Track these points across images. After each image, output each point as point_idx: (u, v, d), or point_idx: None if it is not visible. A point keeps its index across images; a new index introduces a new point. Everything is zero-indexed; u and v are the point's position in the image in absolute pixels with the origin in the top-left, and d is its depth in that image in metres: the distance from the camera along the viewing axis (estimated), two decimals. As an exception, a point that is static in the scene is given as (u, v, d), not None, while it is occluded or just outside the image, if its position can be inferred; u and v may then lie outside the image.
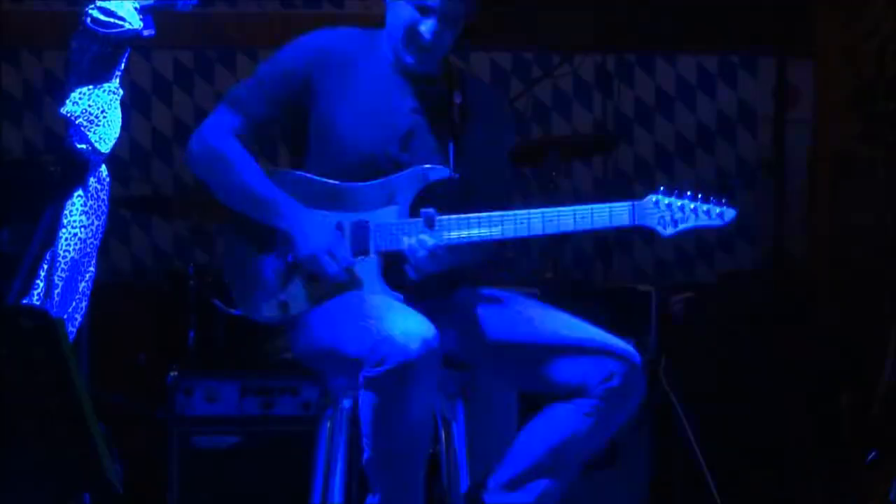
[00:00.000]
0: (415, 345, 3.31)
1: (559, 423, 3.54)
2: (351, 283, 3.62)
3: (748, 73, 6.68)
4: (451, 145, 3.67)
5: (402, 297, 3.58)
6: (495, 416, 4.69)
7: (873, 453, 4.90)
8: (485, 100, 3.80)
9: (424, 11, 3.58)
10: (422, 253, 3.51)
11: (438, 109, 3.71)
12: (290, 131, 3.76)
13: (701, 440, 5.27)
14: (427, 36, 3.58)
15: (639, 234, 6.54)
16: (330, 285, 3.62)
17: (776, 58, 6.34)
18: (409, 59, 3.64)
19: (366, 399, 3.40)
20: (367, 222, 3.62)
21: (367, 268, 3.62)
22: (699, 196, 3.45)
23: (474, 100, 3.76)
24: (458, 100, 3.72)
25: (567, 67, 6.32)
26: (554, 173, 5.38)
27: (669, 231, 3.46)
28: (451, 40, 3.65)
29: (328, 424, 3.69)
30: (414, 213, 3.60)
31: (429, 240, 3.52)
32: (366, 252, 3.62)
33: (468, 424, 3.76)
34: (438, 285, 3.68)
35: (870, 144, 6.17)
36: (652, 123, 6.64)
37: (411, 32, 3.60)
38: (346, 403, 3.66)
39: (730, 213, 3.44)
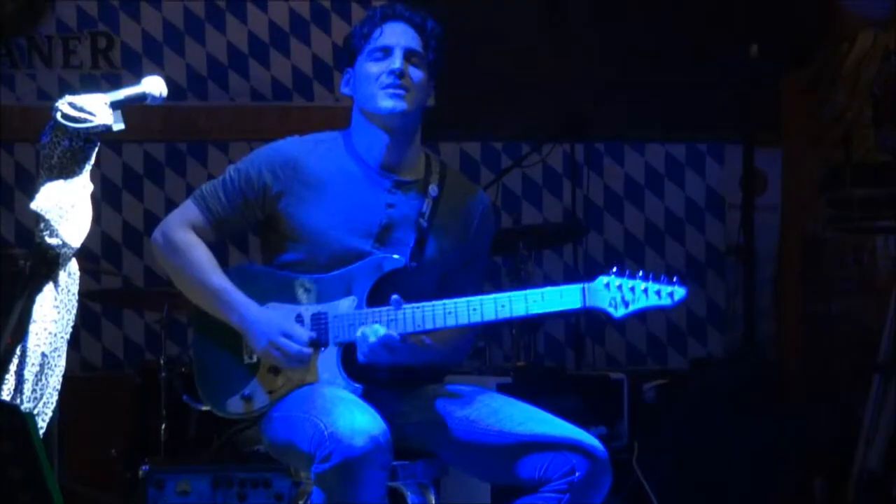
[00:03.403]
0: (360, 440, 3.29)
1: None
2: (312, 374, 3.63)
3: (716, 161, 6.74)
4: (412, 236, 3.69)
5: (361, 388, 3.58)
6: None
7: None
8: (463, 197, 3.82)
9: (385, 52, 3.66)
10: (373, 340, 3.52)
11: (412, 203, 3.73)
12: (259, 229, 3.79)
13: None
14: (397, 65, 3.64)
15: (611, 323, 6.57)
16: (291, 376, 3.63)
17: (743, 145, 6.39)
18: (386, 107, 3.65)
19: (317, 495, 3.39)
20: (325, 314, 3.64)
21: (327, 359, 3.63)
22: (650, 276, 3.45)
23: (452, 196, 3.78)
24: (433, 193, 3.74)
25: (536, 157, 6.37)
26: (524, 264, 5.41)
27: (621, 312, 3.44)
28: (424, 83, 3.70)
29: (300, 516, 3.67)
30: (371, 302, 3.62)
31: (381, 329, 3.53)
32: (325, 343, 3.63)
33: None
34: (404, 378, 3.68)
35: (838, 230, 6.21)
36: (621, 211, 6.68)
37: (381, 78, 3.65)
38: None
39: (680, 293, 3.43)
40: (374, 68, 3.67)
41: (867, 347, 5.71)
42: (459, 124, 6.12)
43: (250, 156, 3.77)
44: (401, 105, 3.66)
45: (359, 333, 3.55)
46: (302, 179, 3.69)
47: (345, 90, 3.77)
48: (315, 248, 3.67)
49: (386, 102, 3.66)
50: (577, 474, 3.47)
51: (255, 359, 3.68)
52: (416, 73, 3.68)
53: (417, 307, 3.54)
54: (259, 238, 3.83)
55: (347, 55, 3.75)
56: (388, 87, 3.65)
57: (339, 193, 3.69)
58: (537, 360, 5.85)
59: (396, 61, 3.65)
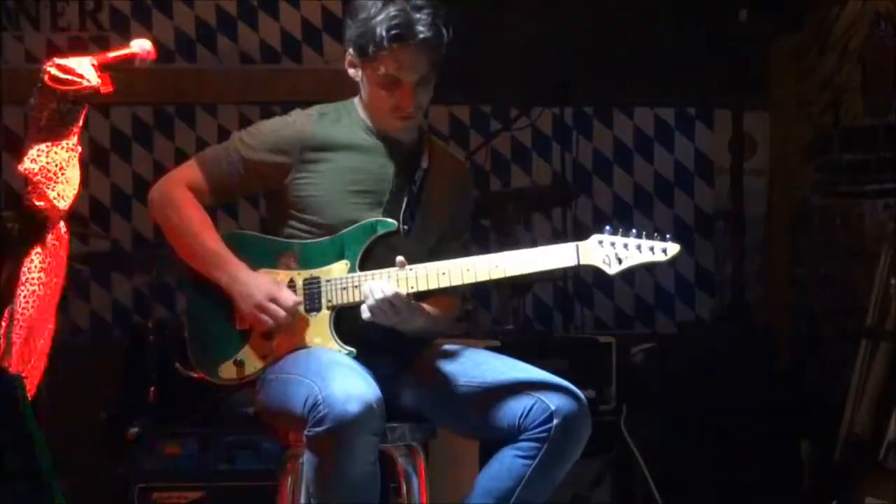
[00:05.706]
0: (354, 405, 3.30)
1: (507, 467, 3.53)
2: (305, 339, 3.64)
3: (705, 125, 6.73)
4: (405, 202, 3.69)
5: (354, 351, 3.59)
6: (457, 468, 4.69)
7: (834, 502, 4.92)
8: (449, 167, 3.86)
9: (394, 82, 3.61)
10: (378, 296, 3.52)
11: (409, 171, 3.74)
12: (266, 201, 3.80)
13: (662, 490, 5.28)
14: (409, 108, 3.63)
15: (599, 286, 6.57)
16: (284, 341, 3.64)
17: (732, 110, 6.39)
18: (395, 128, 3.69)
19: (308, 458, 3.41)
20: (318, 279, 3.65)
21: (320, 323, 3.64)
22: (643, 234, 3.47)
23: (439, 166, 3.81)
24: (425, 164, 3.75)
25: (525, 120, 6.36)
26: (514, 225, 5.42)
27: (615, 269, 3.47)
28: (430, 96, 3.70)
29: (290, 479, 3.68)
30: (364, 266, 3.62)
31: (388, 286, 3.53)
32: (318, 308, 3.64)
33: (429, 477, 3.76)
34: (396, 342, 3.69)
35: (826, 194, 6.22)
36: (610, 175, 6.68)
37: (390, 105, 3.63)
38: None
39: (673, 249, 3.44)
40: (381, 93, 3.64)
41: (855, 311, 5.72)
42: (448, 87, 6.10)
43: (257, 132, 3.75)
44: (409, 125, 3.71)
45: (365, 288, 3.55)
46: (309, 154, 3.68)
47: (351, 72, 3.71)
48: (326, 220, 3.68)
49: (393, 124, 3.69)
50: (554, 421, 3.47)
51: (247, 324, 3.69)
52: (426, 93, 3.67)
53: (411, 269, 3.55)
54: (266, 210, 3.83)
55: (350, 42, 3.66)
56: (397, 116, 3.66)
57: (347, 165, 3.70)
58: (526, 324, 5.85)
59: (408, 100, 3.63)
